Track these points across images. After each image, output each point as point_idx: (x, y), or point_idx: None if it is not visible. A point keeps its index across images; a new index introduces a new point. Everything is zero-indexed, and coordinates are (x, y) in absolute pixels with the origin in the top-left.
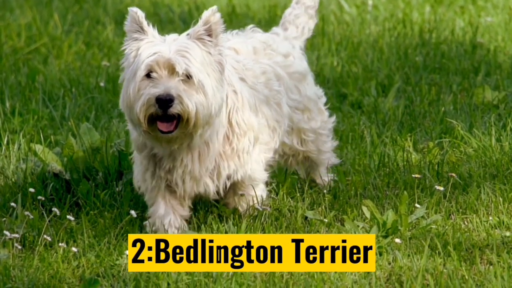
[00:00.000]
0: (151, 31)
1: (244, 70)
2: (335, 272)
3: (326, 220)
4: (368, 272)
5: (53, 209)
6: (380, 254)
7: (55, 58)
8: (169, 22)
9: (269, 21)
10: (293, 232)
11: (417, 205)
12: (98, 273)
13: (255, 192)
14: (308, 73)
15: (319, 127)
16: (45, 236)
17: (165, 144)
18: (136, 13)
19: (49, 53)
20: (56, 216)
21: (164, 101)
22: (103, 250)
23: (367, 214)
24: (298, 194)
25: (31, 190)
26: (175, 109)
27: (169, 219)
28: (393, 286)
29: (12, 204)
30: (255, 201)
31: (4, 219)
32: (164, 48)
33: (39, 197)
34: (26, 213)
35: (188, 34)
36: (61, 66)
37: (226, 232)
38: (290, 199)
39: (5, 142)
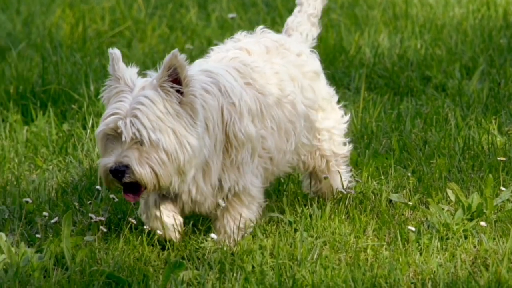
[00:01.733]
0: (126, 76)
1: (251, 73)
2: (420, 255)
3: (410, 203)
4: (454, 255)
5: None
6: (465, 237)
7: (138, 41)
8: (252, 5)
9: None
10: (377, 216)
11: (502, 188)
12: (183, 256)
13: (245, 213)
14: (321, 72)
15: (333, 126)
16: (130, 218)
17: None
18: (112, 55)
19: (132, 37)
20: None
21: (116, 173)
22: (188, 233)
23: (452, 197)
24: (382, 177)
25: None
26: (128, 179)
27: (166, 214)
28: (478, 269)
29: (97, 187)
30: (242, 223)
31: (90, 202)
32: (123, 106)
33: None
34: (111, 196)
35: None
36: (145, 49)
37: (310, 216)
38: (375, 182)
39: (90, 125)
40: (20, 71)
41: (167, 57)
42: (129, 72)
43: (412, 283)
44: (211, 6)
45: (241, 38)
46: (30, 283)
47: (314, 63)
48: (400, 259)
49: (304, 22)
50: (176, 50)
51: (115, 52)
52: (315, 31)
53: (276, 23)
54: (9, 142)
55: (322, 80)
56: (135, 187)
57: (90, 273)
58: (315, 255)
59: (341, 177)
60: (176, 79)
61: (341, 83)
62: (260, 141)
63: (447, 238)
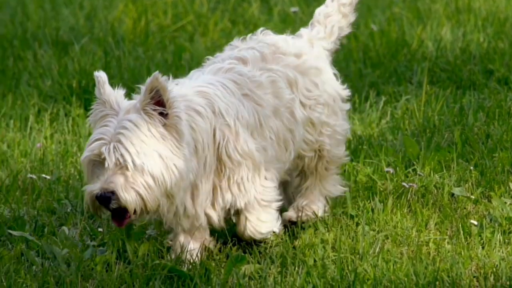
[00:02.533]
0: (112, 99)
1: (248, 84)
2: (482, 249)
3: (473, 197)
4: None
5: None
6: None
7: (201, 35)
8: None
9: None
10: (439, 209)
11: None
12: (245, 250)
13: (264, 216)
14: (325, 69)
15: (335, 125)
16: None
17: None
18: (98, 78)
19: (195, 31)
20: None
21: (102, 200)
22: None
23: None
24: (444, 171)
25: None
26: (114, 205)
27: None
28: None
29: None
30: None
31: None
32: (107, 131)
33: None
34: None
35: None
36: (207, 44)
37: (372, 210)
38: (437, 176)
39: None
40: (83, 66)
41: (148, 80)
42: (115, 95)
43: (474, 277)
44: (273, 0)
45: (238, 45)
46: (93, 277)
47: (316, 61)
48: (462, 253)
49: (334, 13)
50: (157, 73)
51: (100, 75)
52: (344, 22)
53: None
54: (71, 136)
55: (328, 76)
56: (123, 212)
57: (152, 267)
58: (377, 249)
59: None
60: (159, 101)
61: (403, 77)
62: (263, 153)
63: (510, 232)
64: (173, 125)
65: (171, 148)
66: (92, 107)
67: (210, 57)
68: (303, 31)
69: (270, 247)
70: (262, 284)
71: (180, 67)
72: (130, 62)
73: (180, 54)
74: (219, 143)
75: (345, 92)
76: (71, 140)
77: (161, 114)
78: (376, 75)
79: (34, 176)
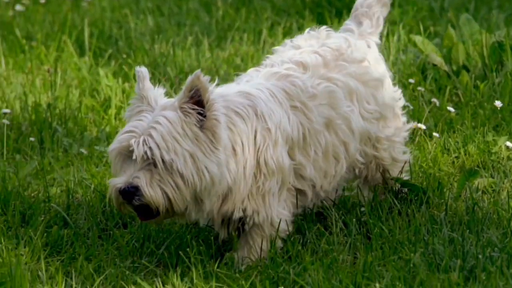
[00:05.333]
0: (150, 96)
1: (300, 96)
2: None
3: None
4: None
5: (432, 99)
6: None
7: None
8: None
9: None
10: None
11: None
12: (477, 164)
13: (265, 246)
14: (385, 77)
15: (393, 134)
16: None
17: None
18: (139, 73)
19: None
20: (436, 107)
21: (125, 194)
22: (482, 142)
23: None
24: None
25: (411, 80)
26: (137, 201)
27: None
28: None
29: None
30: (257, 253)
31: None
32: (140, 125)
33: (419, 88)
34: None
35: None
36: None
37: None
38: None
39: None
40: None
41: (189, 78)
42: (154, 92)
43: None
44: None
45: (301, 44)
46: None
47: (377, 69)
48: None
49: (374, 4)
50: (199, 71)
51: (141, 71)
52: (385, 11)
53: None
54: None
55: (387, 85)
56: (148, 211)
57: None
58: None
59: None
60: (198, 101)
61: None
62: (291, 174)
63: None
64: (210, 127)
65: (204, 150)
66: (129, 101)
67: (270, 55)
68: (350, 24)
69: (503, 159)
70: (495, 198)
71: None
72: None
73: None
74: (259, 147)
75: (398, 93)
76: None
77: (200, 114)
78: None
79: None
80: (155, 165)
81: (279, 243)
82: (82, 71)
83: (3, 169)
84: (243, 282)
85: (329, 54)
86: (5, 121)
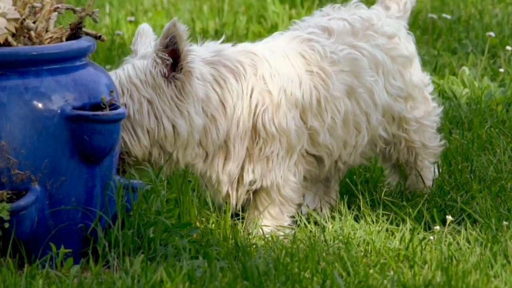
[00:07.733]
0: (140, 49)
1: (319, 61)
2: None
3: None
4: None
5: None
6: None
7: None
8: None
9: None
10: None
11: None
12: None
13: (275, 213)
14: (414, 57)
15: (422, 117)
16: None
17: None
18: (139, 29)
19: None
20: None
21: None
22: None
23: None
24: None
25: None
26: None
27: None
28: None
29: None
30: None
31: None
32: (114, 73)
33: None
34: None
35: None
36: None
37: None
38: None
39: None
40: None
41: (166, 25)
42: (146, 48)
43: None
44: None
45: (330, 12)
46: (492, 118)
47: (407, 47)
48: None
49: None
50: (175, 19)
51: (142, 27)
52: None
53: None
54: None
55: (415, 66)
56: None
57: None
58: None
59: (434, 172)
60: (174, 50)
61: None
62: (303, 139)
63: None
64: (180, 78)
65: (166, 100)
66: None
67: (297, 20)
68: (378, 9)
69: None
70: None
71: None
72: None
73: None
74: (255, 108)
75: (427, 78)
76: None
77: (174, 65)
78: None
79: (434, 16)
80: None
81: (287, 218)
82: None
83: None
84: (410, 210)
85: (358, 23)
86: None
